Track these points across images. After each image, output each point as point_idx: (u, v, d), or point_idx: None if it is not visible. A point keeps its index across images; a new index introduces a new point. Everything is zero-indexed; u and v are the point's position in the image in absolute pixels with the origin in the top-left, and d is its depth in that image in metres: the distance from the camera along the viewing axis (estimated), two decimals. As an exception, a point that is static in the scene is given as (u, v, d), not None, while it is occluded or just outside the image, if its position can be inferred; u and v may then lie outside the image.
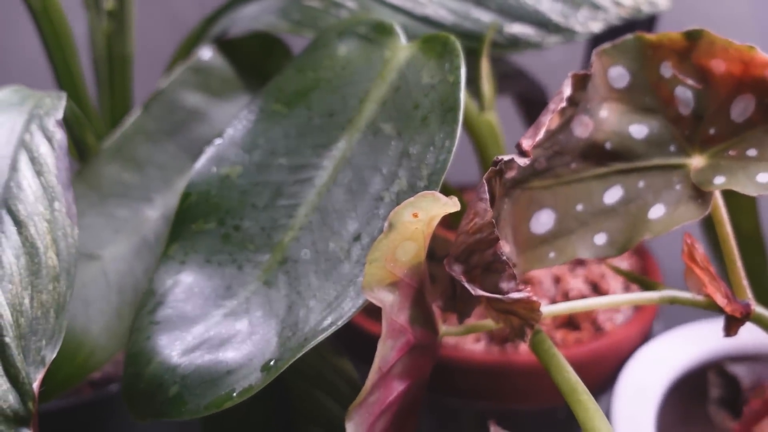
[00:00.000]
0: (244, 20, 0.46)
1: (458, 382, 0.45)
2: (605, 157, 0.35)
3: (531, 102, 0.56)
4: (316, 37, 0.40)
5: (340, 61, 0.38)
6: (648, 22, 0.53)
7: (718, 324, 0.37)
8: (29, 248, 0.29)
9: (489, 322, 0.34)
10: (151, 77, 0.50)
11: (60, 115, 0.32)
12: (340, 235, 0.33)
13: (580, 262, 0.53)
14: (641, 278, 0.36)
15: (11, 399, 0.27)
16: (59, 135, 0.31)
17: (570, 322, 0.48)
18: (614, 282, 0.50)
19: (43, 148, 0.30)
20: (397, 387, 0.31)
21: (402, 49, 0.37)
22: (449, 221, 0.50)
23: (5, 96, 0.33)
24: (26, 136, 0.31)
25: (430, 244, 0.33)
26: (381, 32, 0.38)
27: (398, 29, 0.38)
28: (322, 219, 0.34)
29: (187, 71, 0.45)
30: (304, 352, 0.30)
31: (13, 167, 0.30)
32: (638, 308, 0.49)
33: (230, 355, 0.31)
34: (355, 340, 0.47)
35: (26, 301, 0.28)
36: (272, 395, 0.38)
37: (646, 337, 0.48)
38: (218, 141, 0.37)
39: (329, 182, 0.35)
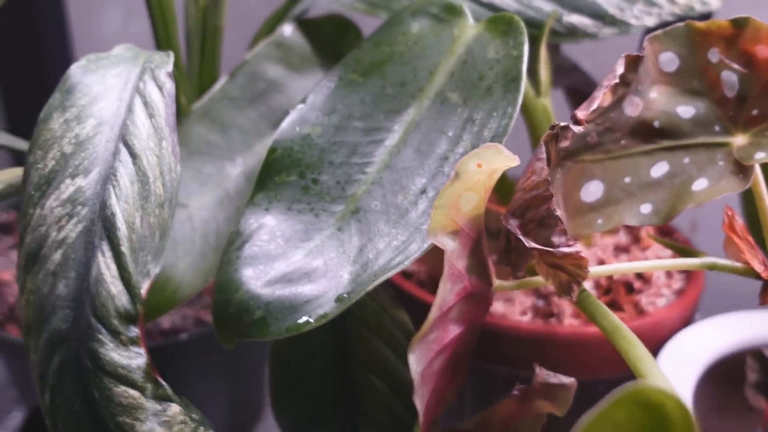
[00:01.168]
0: (323, 1, 0.49)
1: (504, 350, 0.47)
2: (653, 134, 0.36)
3: (583, 95, 0.58)
4: (391, 15, 0.42)
5: (413, 37, 0.40)
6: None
7: (757, 315, 0.37)
8: (141, 177, 0.32)
9: (539, 279, 0.37)
10: (237, 49, 0.53)
11: (170, 68, 0.35)
12: (408, 190, 0.35)
13: (624, 249, 0.55)
14: (684, 247, 0.38)
15: (124, 300, 0.30)
16: (169, 85, 0.34)
17: (613, 304, 0.49)
18: (657, 265, 0.52)
19: (155, 95, 0.34)
20: (454, 330, 0.33)
21: (469, 27, 0.40)
22: (501, 200, 0.53)
23: (120, 52, 0.37)
24: (140, 84, 0.34)
25: (484, 220, 0.35)
26: (451, 12, 0.41)
27: (467, 10, 0.41)
28: (392, 175, 0.36)
29: (270, 45, 0.48)
30: (373, 287, 0.33)
31: (130, 109, 0.33)
32: (680, 294, 0.49)
33: (308, 287, 0.33)
34: (410, 307, 0.49)
35: (137, 221, 0.31)
36: (335, 341, 0.40)
37: (686, 322, 0.49)
38: (301, 105, 0.39)
39: (399, 143, 0.37)
